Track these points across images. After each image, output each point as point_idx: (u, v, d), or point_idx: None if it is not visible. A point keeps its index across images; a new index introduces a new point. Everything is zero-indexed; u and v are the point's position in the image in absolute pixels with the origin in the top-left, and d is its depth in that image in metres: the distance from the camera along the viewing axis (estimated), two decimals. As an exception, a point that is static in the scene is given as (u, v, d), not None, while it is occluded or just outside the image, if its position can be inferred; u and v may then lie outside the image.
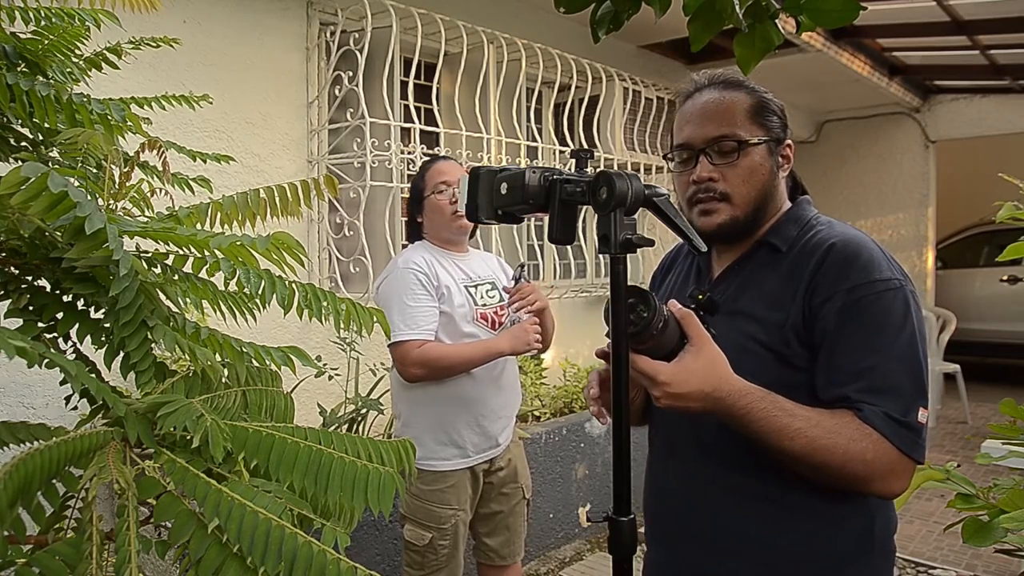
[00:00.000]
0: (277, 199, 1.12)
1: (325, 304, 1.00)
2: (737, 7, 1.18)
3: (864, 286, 1.12)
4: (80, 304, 1.09)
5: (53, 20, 1.24)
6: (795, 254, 1.22)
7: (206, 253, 0.99)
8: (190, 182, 1.42)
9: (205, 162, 1.51)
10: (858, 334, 1.11)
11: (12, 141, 1.26)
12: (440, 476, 2.19)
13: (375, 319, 1.04)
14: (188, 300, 1.12)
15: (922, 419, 1.11)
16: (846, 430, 1.08)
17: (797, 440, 1.07)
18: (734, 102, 1.24)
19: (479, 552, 2.41)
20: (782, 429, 1.07)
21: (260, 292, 0.96)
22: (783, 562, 1.18)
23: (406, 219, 2.45)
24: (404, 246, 2.42)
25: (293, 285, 1.00)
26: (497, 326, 2.29)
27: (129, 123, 1.23)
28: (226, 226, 1.14)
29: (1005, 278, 7.43)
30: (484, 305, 2.29)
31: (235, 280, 0.95)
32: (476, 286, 2.32)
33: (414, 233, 2.39)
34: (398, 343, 2.13)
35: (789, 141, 1.28)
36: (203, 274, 1.04)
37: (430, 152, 3.55)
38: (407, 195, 3.55)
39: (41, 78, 1.20)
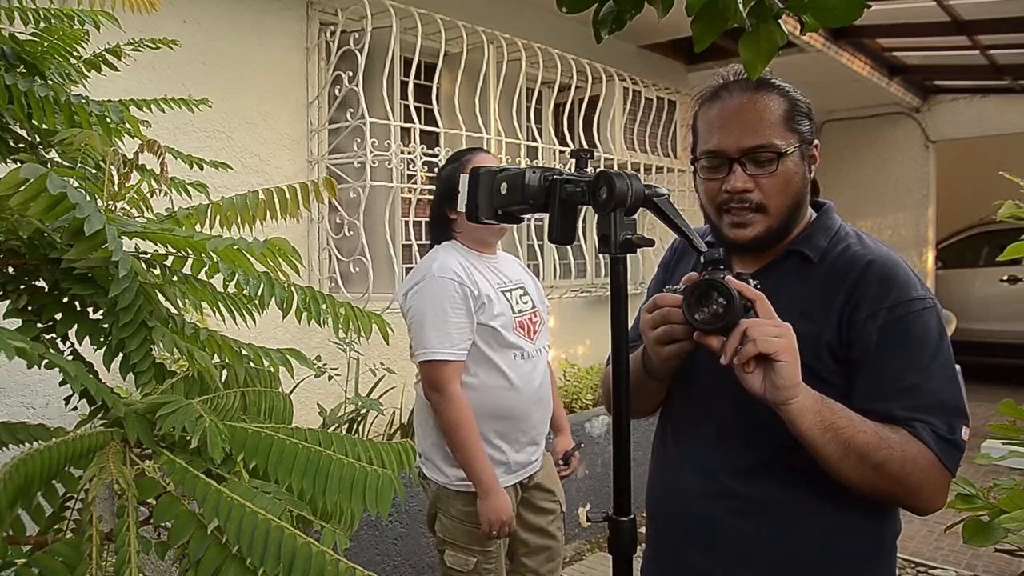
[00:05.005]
0: (276, 201, 1.12)
1: (324, 307, 1.00)
2: (741, 7, 1.17)
3: (903, 304, 1.13)
4: (79, 305, 1.09)
5: (52, 22, 1.24)
6: (827, 266, 1.20)
7: (203, 255, 0.99)
8: (187, 187, 1.41)
9: (202, 168, 1.50)
10: (900, 352, 1.12)
11: (11, 142, 1.26)
12: None
13: (373, 323, 1.04)
14: (187, 301, 1.12)
15: (964, 436, 1.12)
16: (901, 437, 1.09)
17: (864, 435, 1.07)
18: (768, 108, 1.19)
19: (516, 575, 2.23)
20: (852, 424, 1.07)
21: (259, 294, 0.96)
22: (791, 567, 1.17)
23: (430, 217, 2.24)
24: (428, 245, 2.22)
25: (292, 288, 1.00)
26: (533, 335, 2.14)
27: (127, 125, 1.23)
28: (225, 228, 1.14)
29: (1005, 278, 7.43)
30: (520, 312, 2.12)
31: (234, 282, 0.95)
32: (511, 290, 2.14)
33: (443, 232, 2.16)
34: (432, 362, 1.96)
35: (816, 141, 1.25)
36: (202, 275, 1.04)
37: (430, 152, 3.55)
38: (407, 195, 3.59)
39: (39, 80, 1.20)
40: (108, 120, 1.18)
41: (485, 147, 3.73)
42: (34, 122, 1.19)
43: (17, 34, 1.24)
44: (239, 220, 1.12)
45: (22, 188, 0.82)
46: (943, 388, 1.12)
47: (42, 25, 1.24)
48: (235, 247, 0.91)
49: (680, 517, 1.27)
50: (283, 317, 1.00)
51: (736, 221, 1.20)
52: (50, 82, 1.21)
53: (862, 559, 1.19)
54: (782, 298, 1.18)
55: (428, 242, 3.79)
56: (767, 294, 1.19)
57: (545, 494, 2.22)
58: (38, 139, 1.26)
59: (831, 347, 1.15)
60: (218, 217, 1.12)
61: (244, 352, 1.07)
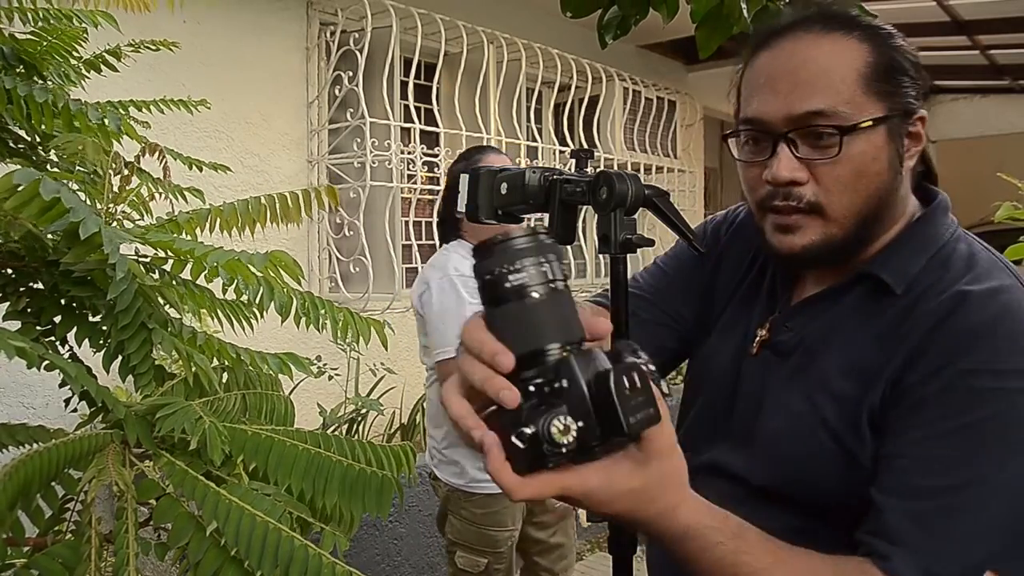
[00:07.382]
0: (277, 207, 1.11)
1: (323, 312, 1.00)
2: (745, 11, 1.17)
3: (994, 374, 0.72)
4: (78, 307, 1.09)
5: (51, 21, 1.24)
6: (911, 301, 0.80)
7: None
8: (183, 191, 1.41)
9: (201, 170, 1.50)
10: (955, 436, 0.72)
11: (11, 143, 1.26)
12: (497, 498, 2.00)
13: (372, 329, 1.04)
14: (186, 307, 1.12)
15: None
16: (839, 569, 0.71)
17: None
18: (840, 58, 0.80)
19: (531, 573, 2.24)
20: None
21: (258, 299, 0.96)
22: None
23: (438, 215, 2.24)
24: (433, 245, 2.20)
25: (292, 293, 1.00)
26: None
27: (125, 132, 1.23)
28: (225, 232, 1.13)
29: (1005, 278, 7.42)
30: None
31: (233, 287, 0.95)
32: None
33: (451, 231, 2.12)
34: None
35: (923, 112, 0.84)
36: (201, 280, 1.04)
37: (430, 152, 3.55)
38: (407, 195, 3.59)
39: (39, 80, 1.20)
40: (107, 125, 1.18)
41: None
42: (33, 123, 1.19)
43: (16, 33, 1.24)
44: (239, 225, 1.11)
45: (15, 193, 0.82)
46: (997, 511, 0.70)
47: (40, 25, 1.24)
48: (237, 259, 0.91)
49: None
50: (282, 322, 1.00)
51: (780, 223, 0.83)
52: (50, 83, 1.21)
53: None
54: (838, 341, 0.84)
55: (428, 242, 3.82)
56: (824, 332, 0.85)
57: None
58: (38, 140, 1.26)
59: (872, 415, 0.78)
60: (218, 222, 1.12)
61: (243, 358, 1.07)
